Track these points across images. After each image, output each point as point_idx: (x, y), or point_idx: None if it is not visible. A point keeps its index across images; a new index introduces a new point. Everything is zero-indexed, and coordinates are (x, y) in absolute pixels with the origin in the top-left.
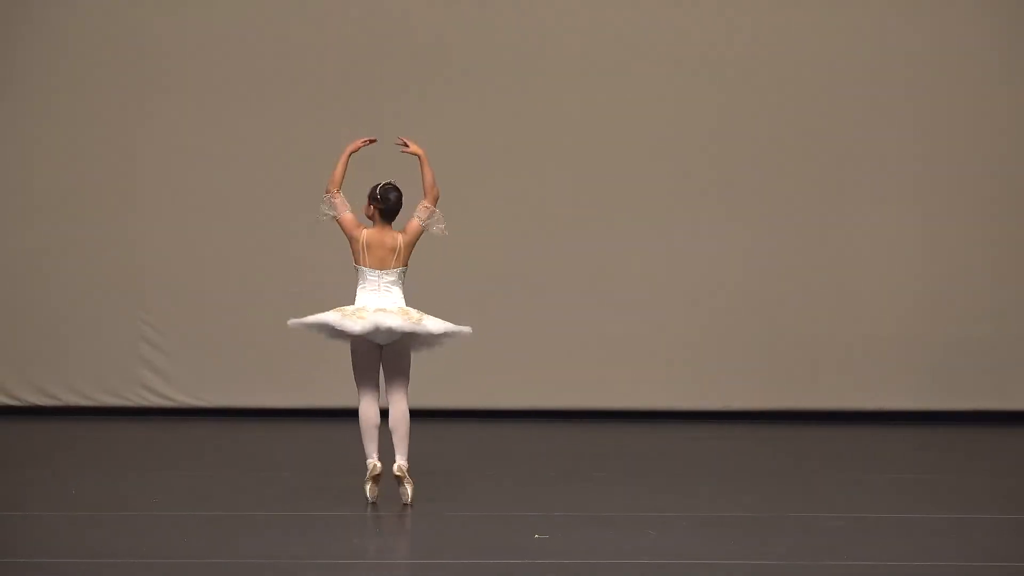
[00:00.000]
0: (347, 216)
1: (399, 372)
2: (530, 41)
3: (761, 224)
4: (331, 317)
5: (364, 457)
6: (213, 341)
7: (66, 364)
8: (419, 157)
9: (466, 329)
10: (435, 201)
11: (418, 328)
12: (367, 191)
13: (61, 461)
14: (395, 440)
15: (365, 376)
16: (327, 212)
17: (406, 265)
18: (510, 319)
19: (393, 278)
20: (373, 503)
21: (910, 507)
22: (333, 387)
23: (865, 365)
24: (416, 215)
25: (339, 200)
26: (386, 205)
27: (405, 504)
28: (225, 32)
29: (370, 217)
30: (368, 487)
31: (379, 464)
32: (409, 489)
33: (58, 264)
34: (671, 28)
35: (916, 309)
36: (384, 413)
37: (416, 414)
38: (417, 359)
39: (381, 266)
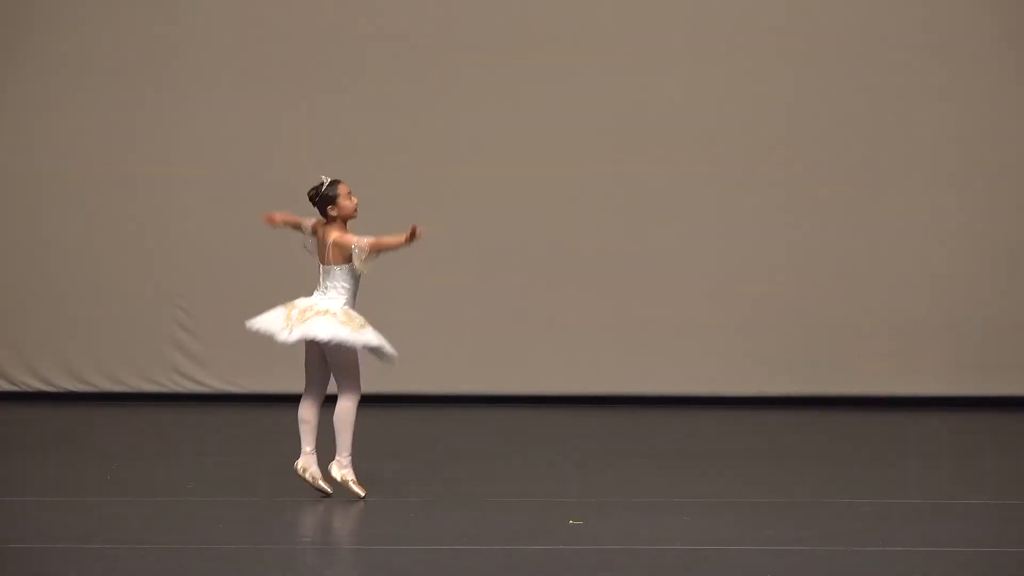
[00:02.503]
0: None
1: (336, 372)
2: (568, 27)
3: (797, 210)
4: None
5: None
6: (246, 327)
7: (99, 349)
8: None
9: (356, 341)
10: (372, 248)
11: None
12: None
13: (95, 446)
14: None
15: (306, 373)
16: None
17: (345, 264)
18: (546, 305)
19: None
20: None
21: (944, 492)
22: (367, 373)
23: (899, 351)
24: (357, 245)
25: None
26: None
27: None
28: (257, 17)
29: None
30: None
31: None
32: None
33: (92, 250)
34: (706, 16)
35: (952, 295)
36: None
37: (450, 400)
38: (448, 344)
39: (323, 262)
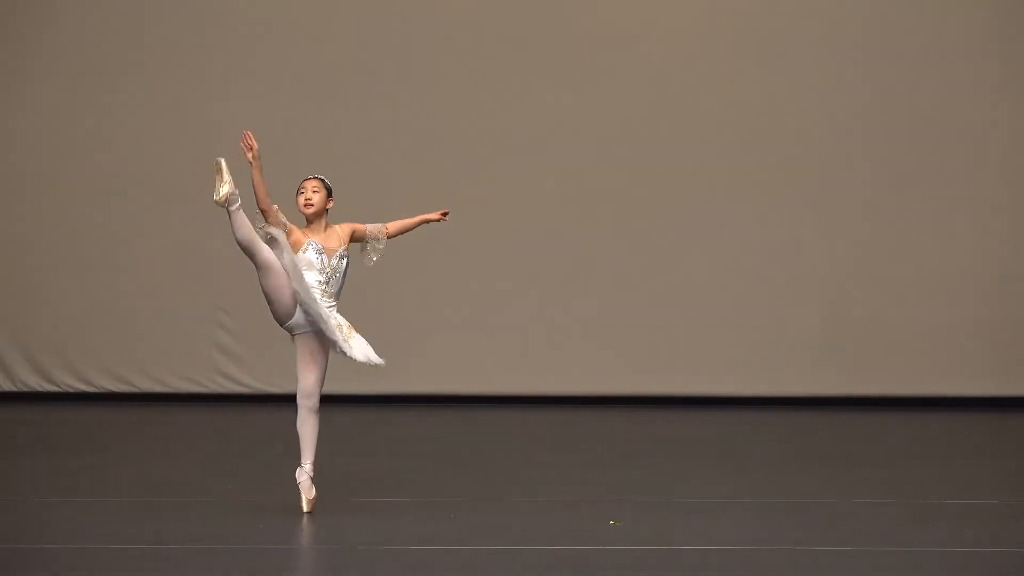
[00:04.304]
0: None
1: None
2: (585, 24)
3: (823, 210)
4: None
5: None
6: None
7: (141, 350)
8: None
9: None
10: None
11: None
12: (327, 184)
13: (137, 447)
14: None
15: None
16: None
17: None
18: (574, 306)
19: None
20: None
21: (972, 493)
22: (405, 373)
23: (926, 351)
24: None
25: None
26: None
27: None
28: (296, 17)
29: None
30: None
31: None
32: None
33: (133, 251)
34: (730, 17)
35: (979, 295)
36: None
37: (486, 400)
38: (480, 345)
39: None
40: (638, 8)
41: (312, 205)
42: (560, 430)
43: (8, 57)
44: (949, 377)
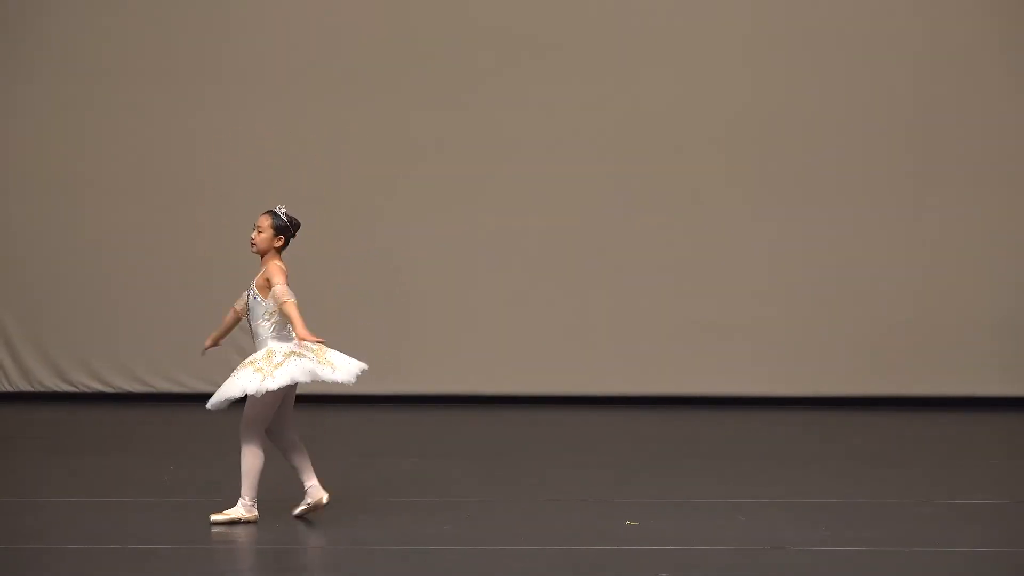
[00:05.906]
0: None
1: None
2: (594, 24)
3: (854, 211)
4: (323, 372)
5: (243, 496)
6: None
7: (158, 350)
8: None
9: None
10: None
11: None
12: (277, 222)
13: (153, 447)
14: (306, 465)
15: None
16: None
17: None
18: (596, 306)
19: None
20: None
21: (1004, 494)
22: (420, 373)
23: (957, 352)
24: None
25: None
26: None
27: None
28: (298, 18)
29: (279, 248)
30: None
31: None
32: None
33: (150, 252)
34: (742, 11)
35: (1009, 296)
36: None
37: (505, 400)
38: (501, 346)
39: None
40: (656, 5)
41: (254, 245)
42: (576, 430)
43: (30, 54)
44: (974, 377)
